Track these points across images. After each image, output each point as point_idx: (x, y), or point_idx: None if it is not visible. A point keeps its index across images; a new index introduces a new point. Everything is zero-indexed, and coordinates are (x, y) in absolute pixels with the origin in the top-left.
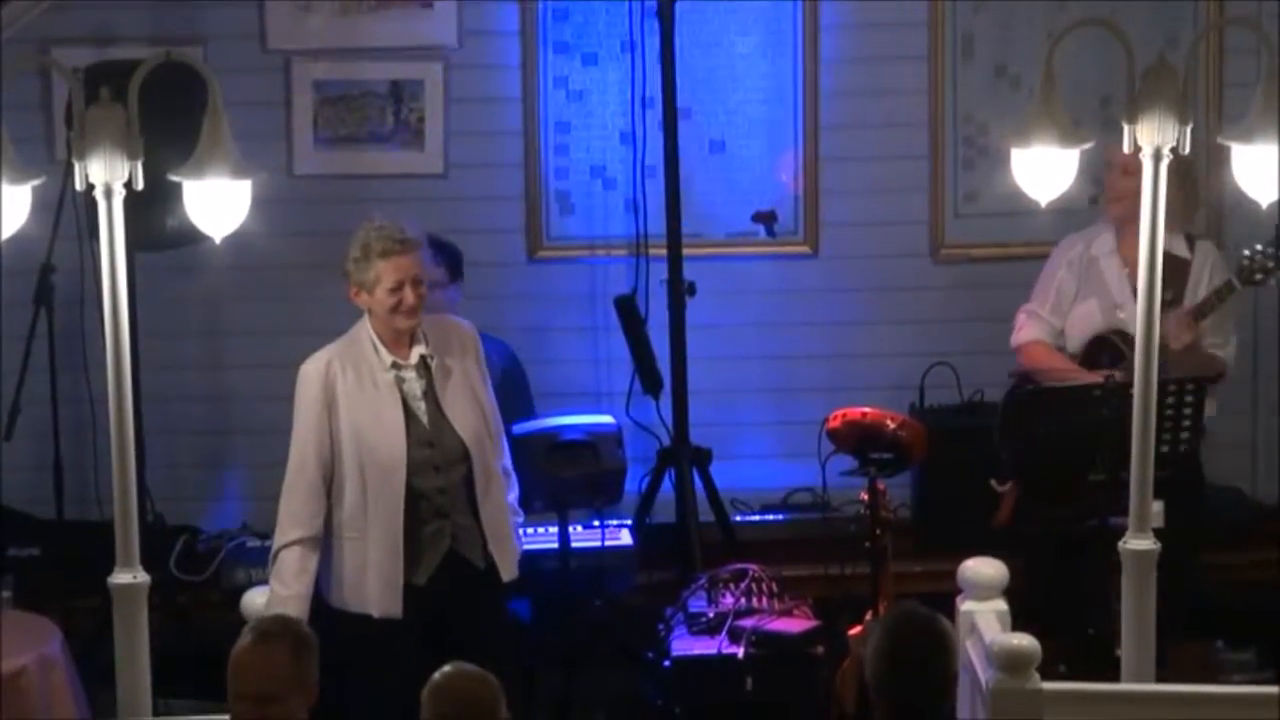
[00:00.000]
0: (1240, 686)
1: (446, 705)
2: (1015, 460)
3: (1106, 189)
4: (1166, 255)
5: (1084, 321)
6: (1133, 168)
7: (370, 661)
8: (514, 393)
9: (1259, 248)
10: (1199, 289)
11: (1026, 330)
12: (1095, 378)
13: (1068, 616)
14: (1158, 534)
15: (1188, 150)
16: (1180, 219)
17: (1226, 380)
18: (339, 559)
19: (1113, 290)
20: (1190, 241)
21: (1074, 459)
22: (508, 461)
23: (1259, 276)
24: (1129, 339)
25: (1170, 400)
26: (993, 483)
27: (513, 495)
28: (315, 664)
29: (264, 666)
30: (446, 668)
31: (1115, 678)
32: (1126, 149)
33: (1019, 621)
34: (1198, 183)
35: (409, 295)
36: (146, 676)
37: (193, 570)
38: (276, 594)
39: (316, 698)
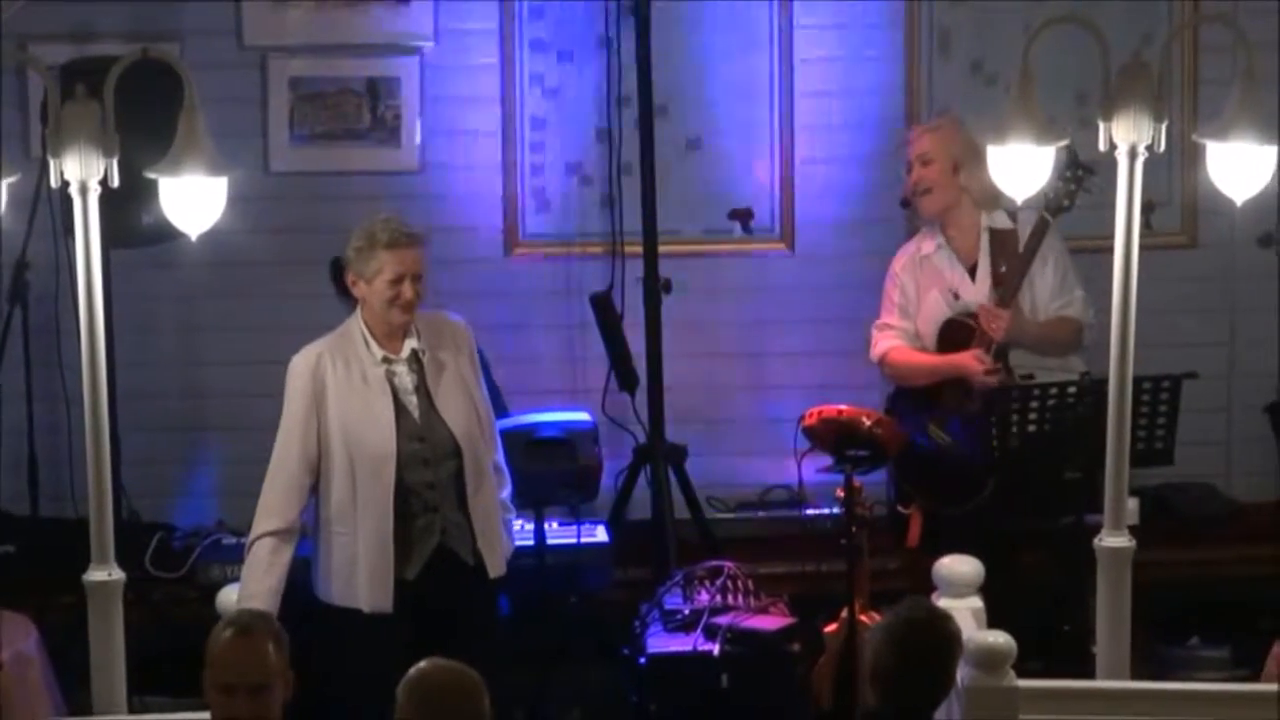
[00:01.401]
0: (1215, 684)
1: (431, 697)
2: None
3: (915, 185)
4: (991, 231)
5: (932, 312)
6: (931, 153)
7: (359, 656)
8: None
9: (1061, 174)
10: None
11: (882, 342)
12: (961, 359)
13: (1047, 613)
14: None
15: (1163, 148)
16: (988, 201)
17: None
18: (328, 553)
19: (948, 276)
20: (1013, 216)
21: (1050, 457)
22: (500, 458)
23: (1066, 203)
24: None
25: (1145, 399)
26: (899, 508)
27: (505, 492)
28: (288, 655)
29: (253, 658)
30: (422, 663)
31: (1090, 675)
32: (1102, 146)
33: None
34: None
35: (407, 289)
36: (122, 673)
37: (168, 567)
38: (246, 586)
39: (292, 689)
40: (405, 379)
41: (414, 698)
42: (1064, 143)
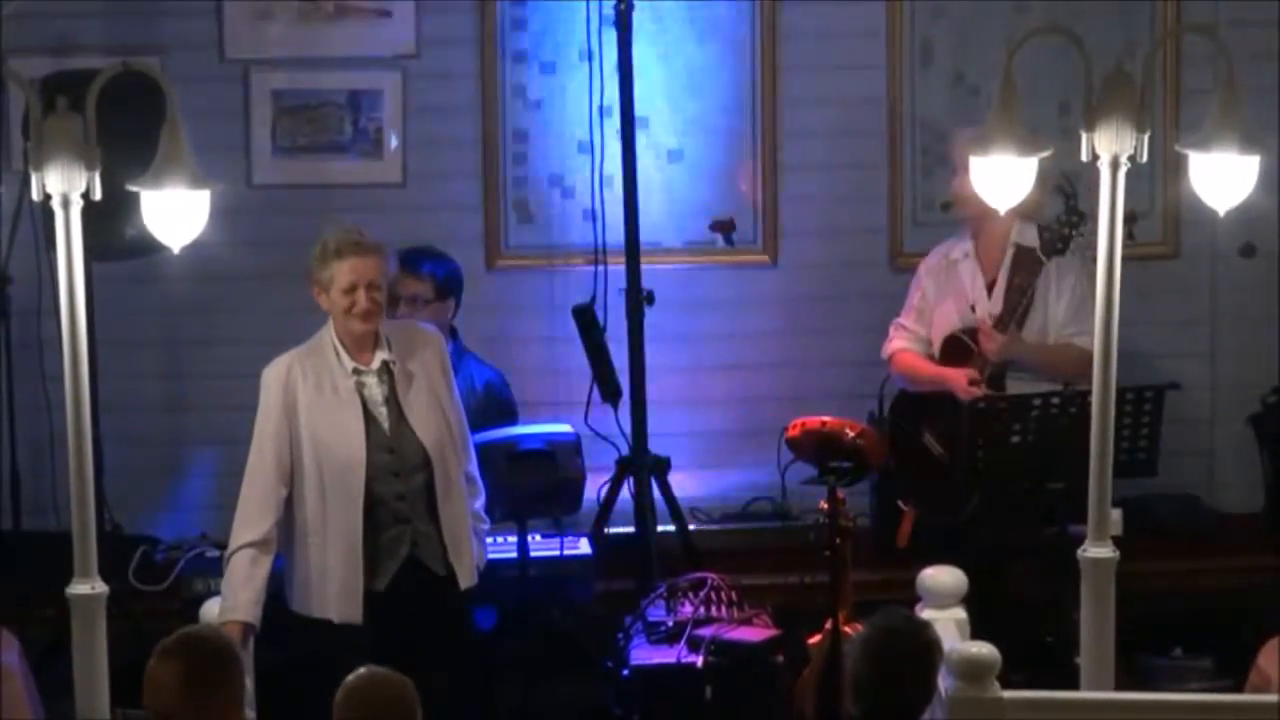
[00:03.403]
0: (1198, 694)
1: (361, 710)
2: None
3: (955, 191)
4: (1018, 247)
5: (942, 322)
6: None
7: (330, 667)
8: (497, 417)
9: (1058, 216)
10: (1049, 281)
11: (894, 341)
12: (952, 374)
13: (1024, 625)
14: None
15: (1145, 158)
16: (1034, 211)
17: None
18: (300, 564)
19: (967, 290)
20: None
21: (1033, 468)
22: (474, 468)
23: (1059, 245)
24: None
25: (1128, 409)
26: (899, 503)
27: (479, 502)
28: (225, 682)
29: (157, 684)
30: (361, 670)
31: (1074, 686)
32: (1085, 157)
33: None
34: (1044, 175)
35: (362, 298)
36: (104, 687)
37: (151, 580)
38: (226, 600)
39: (241, 713)
40: (375, 390)
41: (344, 707)
42: (1063, 182)
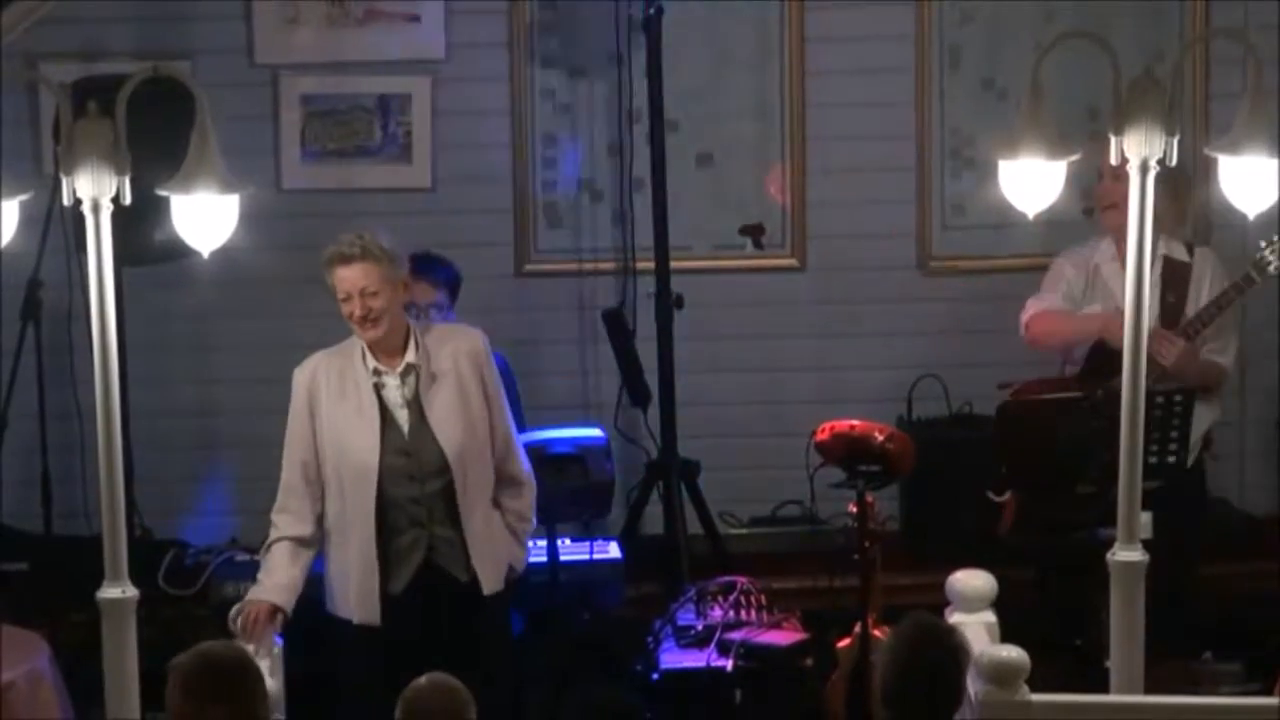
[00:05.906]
0: (1228, 698)
1: (416, 714)
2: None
3: (1100, 197)
4: (1167, 259)
5: None
6: (1124, 173)
7: (353, 667)
8: None
9: (1276, 238)
10: (1200, 293)
11: (1033, 307)
12: (1094, 322)
13: (1060, 628)
14: (1152, 546)
15: (1174, 162)
16: (1174, 226)
17: (1225, 387)
18: (329, 564)
19: (1117, 295)
20: (1189, 248)
21: (1063, 471)
22: (520, 466)
23: (1275, 267)
24: None
25: (1158, 412)
26: (990, 494)
27: (522, 502)
28: (235, 698)
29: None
30: (421, 679)
31: (1104, 689)
32: (1114, 160)
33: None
34: (1188, 191)
35: (356, 306)
36: (135, 691)
37: (181, 584)
38: (258, 584)
39: None
40: (395, 393)
41: (403, 713)
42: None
